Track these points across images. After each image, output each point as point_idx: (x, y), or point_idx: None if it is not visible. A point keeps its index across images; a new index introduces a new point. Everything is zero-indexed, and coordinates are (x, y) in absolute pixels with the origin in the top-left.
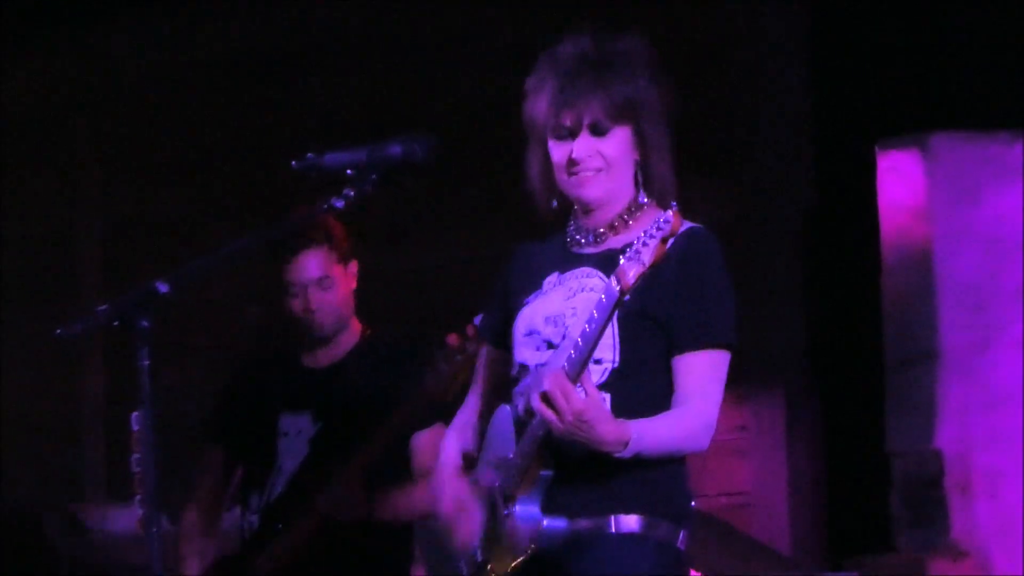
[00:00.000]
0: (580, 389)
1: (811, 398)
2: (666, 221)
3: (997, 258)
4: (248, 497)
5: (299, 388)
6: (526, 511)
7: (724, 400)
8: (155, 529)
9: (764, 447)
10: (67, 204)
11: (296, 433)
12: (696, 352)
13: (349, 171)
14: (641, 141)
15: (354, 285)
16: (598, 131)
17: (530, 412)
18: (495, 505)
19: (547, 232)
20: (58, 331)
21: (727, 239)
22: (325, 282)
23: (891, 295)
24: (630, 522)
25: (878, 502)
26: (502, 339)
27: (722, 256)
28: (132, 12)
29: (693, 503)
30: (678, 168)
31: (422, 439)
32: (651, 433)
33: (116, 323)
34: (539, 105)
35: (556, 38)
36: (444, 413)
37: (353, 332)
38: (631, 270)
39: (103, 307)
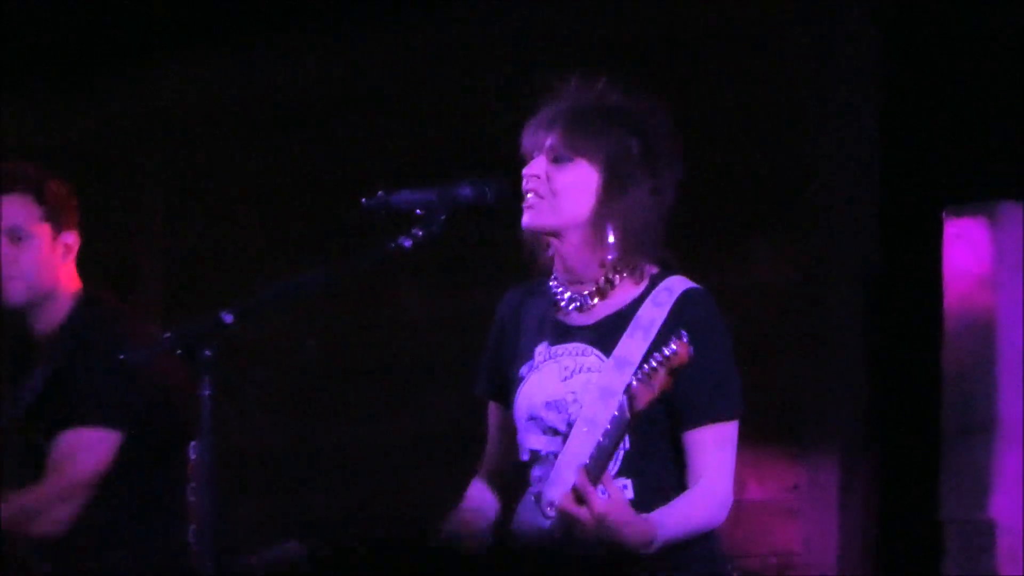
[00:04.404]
0: (602, 490)
1: (866, 461)
2: (673, 352)
3: None
4: None
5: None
6: None
7: (777, 459)
8: (208, 562)
9: (816, 508)
10: (130, 239)
11: None
12: (705, 427)
13: (419, 211)
14: (610, 191)
15: (66, 261)
16: (556, 157)
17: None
18: None
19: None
20: (121, 356)
21: (789, 299)
22: (18, 235)
23: (952, 362)
24: None
25: (930, 569)
26: (505, 397)
27: (721, 319)
28: (197, 49)
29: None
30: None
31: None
32: (672, 522)
33: (179, 351)
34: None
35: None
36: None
37: (62, 304)
38: (644, 396)
39: (167, 334)
